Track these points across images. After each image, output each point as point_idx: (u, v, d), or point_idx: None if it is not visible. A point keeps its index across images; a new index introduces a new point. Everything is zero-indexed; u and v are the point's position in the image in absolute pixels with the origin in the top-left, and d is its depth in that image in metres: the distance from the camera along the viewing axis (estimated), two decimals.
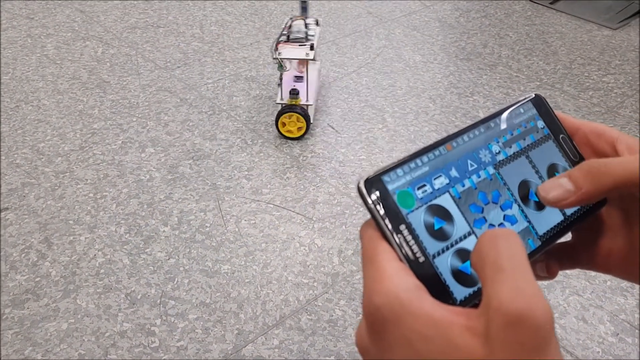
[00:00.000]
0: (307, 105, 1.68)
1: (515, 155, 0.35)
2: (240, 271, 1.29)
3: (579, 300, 1.27)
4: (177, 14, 2.38)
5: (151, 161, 1.61)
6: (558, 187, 0.30)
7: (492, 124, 0.35)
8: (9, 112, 1.76)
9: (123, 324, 1.17)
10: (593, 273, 1.32)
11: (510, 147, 0.35)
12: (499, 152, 0.34)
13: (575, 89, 1.99)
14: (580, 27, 2.39)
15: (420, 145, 1.68)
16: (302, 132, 1.68)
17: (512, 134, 0.35)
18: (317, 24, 1.73)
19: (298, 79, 1.69)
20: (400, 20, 2.41)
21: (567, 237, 0.37)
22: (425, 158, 0.31)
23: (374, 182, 0.29)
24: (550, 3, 2.55)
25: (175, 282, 1.26)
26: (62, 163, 1.57)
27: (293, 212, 1.47)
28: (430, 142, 0.32)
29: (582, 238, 0.37)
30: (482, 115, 1.87)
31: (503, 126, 0.35)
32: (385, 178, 0.30)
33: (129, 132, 1.71)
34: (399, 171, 0.30)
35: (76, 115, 1.76)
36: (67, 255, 1.30)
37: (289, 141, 1.70)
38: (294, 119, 1.66)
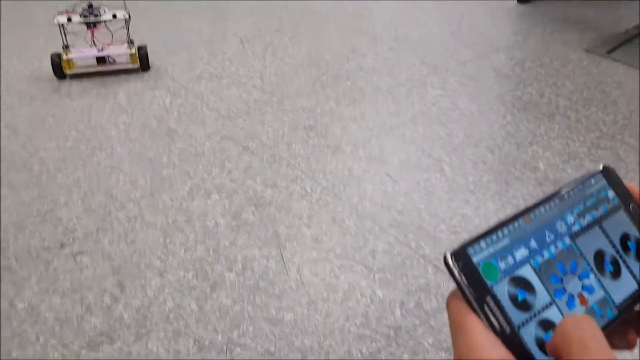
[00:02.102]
0: None
1: (589, 226, 0.37)
2: (303, 320, 1.32)
3: None
4: (239, 65, 2.49)
5: (216, 207, 1.67)
6: None
7: (566, 196, 0.37)
8: (85, 158, 1.87)
9: None
10: None
11: (584, 217, 0.37)
12: (574, 222, 0.36)
13: (636, 140, 1.96)
14: (638, 76, 2.37)
15: (480, 195, 1.69)
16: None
17: (585, 205, 0.37)
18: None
19: None
20: (454, 70, 2.45)
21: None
22: (505, 230, 0.34)
23: (460, 254, 0.32)
24: (607, 52, 2.54)
25: (240, 329, 1.29)
26: (134, 208, 1.65)
27: (353, 261, 1.49)
28: (510, 214, 0.34)
29: None
30: (542, 167, 1.85)
31: (576, 197, 0.37)
32: (470, 250, 0.32)
33: (196, 179, 1.79)
34: (483, 243, 0.32)
35: (147, 162, 1.86)
36: (138, 299, 1.36)
37: (348, 188, 1.74)
38: None
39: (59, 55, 2.25)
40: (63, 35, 2.24)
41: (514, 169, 1.83)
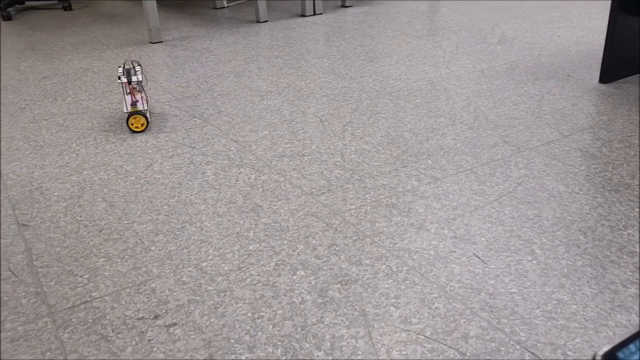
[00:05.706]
0: (145, 110, 2.80)
1: None
2: None
3: None
4: (320, 143, 2.56)
5: (302, 284, 1.67)
6: None
7: None
8: (176, 232, 1.94)
9: None
10: None
11: None
12: None
13: None
14: None
15: (575, 280, 1.61)
16: (145, 127, 2.76)
17: None
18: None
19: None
20: (538, 150, 2.42)
21: None
22: None
23: (609, 357, 0.31)
24: None
25: None
26: (222, 282, 1.68)
27: (445, 345, 1.44)
28: None
29: None
30: (638, 251, 1.76)
31: None
32: (620, 354, 0.31)
33: (281, 254, 1.81)
34: (632, 347, 0.31)
35: (234, 237, 1.90)
36: None
37: (434, 269, 1.71)
38: (138, 119, 2.74)
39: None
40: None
41: (609, 252, 1.75)
